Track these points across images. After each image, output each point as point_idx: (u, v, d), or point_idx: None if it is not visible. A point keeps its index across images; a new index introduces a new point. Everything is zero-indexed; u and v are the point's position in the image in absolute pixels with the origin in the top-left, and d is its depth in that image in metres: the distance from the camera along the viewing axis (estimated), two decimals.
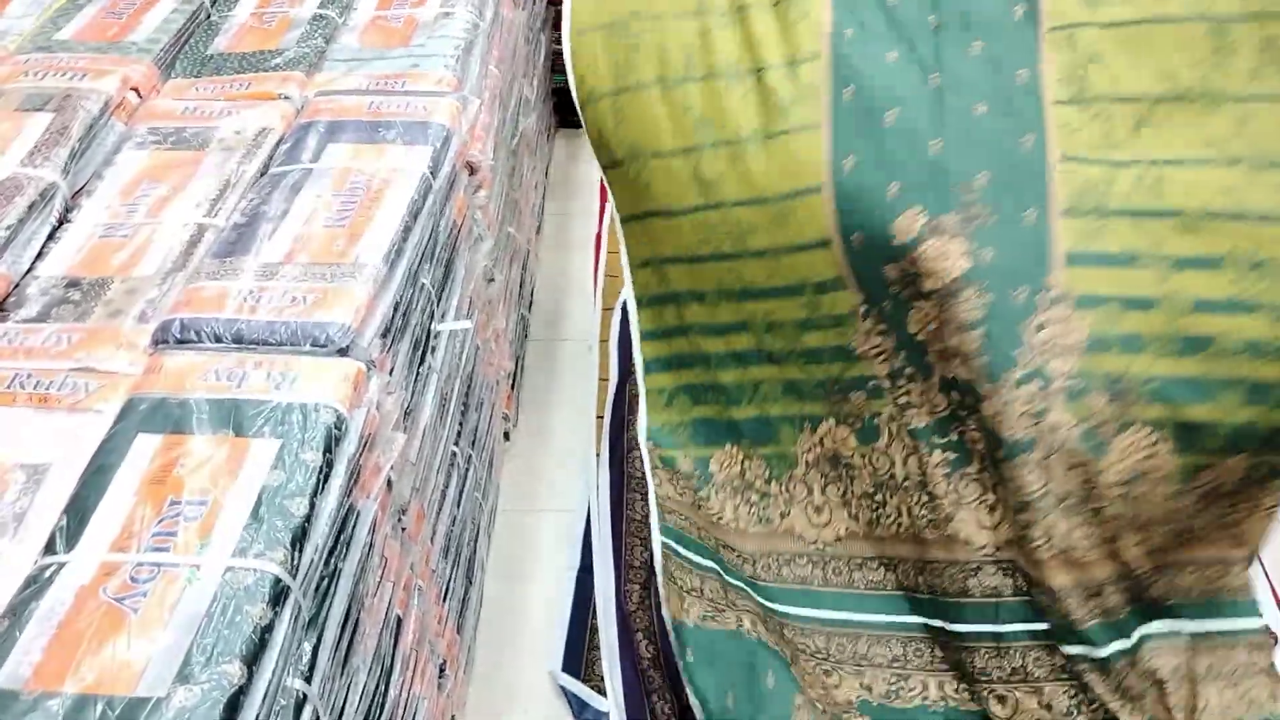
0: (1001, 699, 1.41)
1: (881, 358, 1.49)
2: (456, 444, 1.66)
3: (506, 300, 2.10)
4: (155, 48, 1.73)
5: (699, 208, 1.58)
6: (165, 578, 0.95)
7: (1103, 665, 1.40)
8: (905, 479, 1.50)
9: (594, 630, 1.90)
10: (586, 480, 2.13)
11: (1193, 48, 1.37)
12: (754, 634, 1.56)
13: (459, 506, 1.67)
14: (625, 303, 1.78)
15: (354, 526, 1.14)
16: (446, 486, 1.59)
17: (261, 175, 1.50)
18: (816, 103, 1.47)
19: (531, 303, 2.52)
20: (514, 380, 2.21)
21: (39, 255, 1.36)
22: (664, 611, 1.61)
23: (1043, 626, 1.42)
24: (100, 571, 0.95)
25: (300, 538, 1.01)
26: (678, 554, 1.63)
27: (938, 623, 1.51)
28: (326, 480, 1.08)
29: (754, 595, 1.61)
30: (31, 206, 1.36)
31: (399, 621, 1.32)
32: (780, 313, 1.56)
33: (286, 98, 1.67)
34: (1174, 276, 1.33)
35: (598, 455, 2.19)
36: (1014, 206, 1.37)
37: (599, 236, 2.78)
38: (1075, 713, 1.38)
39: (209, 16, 1.90)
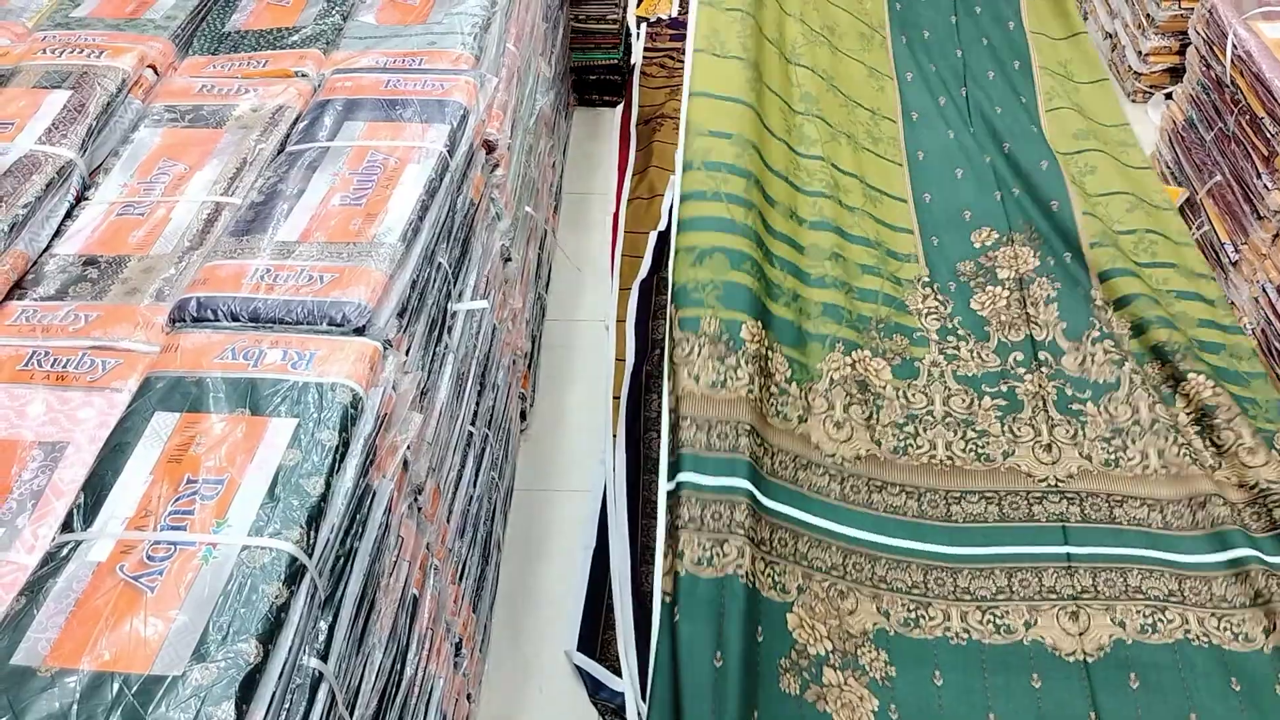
0: (1074, 615, 1.43)
1: (933, 317, 1.75)
2: (473, 424, 1.65)
3: (524, 280, 2.09)
4: (172, 25, 1.73)
5: (805, 155, 1.93)
6: (182, 556, 0.95)
7: (1202, 576, 1.46)
8: (946, 416, 1.65)
9: (609, 610, 1.90)
10: (603, 460, 2.13)
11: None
12: (749, 576, 1.46)
13: (475, 486, 1.67)
14: (668, 211, 1.89)
15: (370, 506, 1.14)
16: (463, 466, 1.59)
17: (279, 153, 1.50)
18: (898, 149, 2.01)
19: (549, 283, 2.51)
20: (531, 360, 2.21)
21: (56, 233, 1.36)
22: (657, 568, 1.52)
23: (1117, 550, 1.49)
24: (117, 549, 0.96)
25: (316, 517, 1.01)
26: (689, 485, 1.48)
27: (981, 550, 1.52)
28: (342, 460, 1.08)
29: (771, 509, 1.50)
30: (49, 184, 1.36)
31: (415, 601, 1.32)
32: (849, 252, 1.79)
33: (304, 75, 1.66)
34: (1177, 303, 1.78)
35: (614, 436, 2.18)
36: (1055, 250, 1.85)
37: (616, 216, 2.76)
38: (1150, 631, 1.41)
39: None
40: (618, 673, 1.81)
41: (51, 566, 0.94)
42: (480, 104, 1.62)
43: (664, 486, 1.46)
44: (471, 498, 1.65)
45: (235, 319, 1.22)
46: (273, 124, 1.55)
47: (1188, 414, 1.62)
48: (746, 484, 1.45)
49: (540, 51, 2.33)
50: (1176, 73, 3.03)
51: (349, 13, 1.84)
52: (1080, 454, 1.59)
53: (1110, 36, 3.29)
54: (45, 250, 1.33)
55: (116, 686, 0.85)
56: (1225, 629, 1.40)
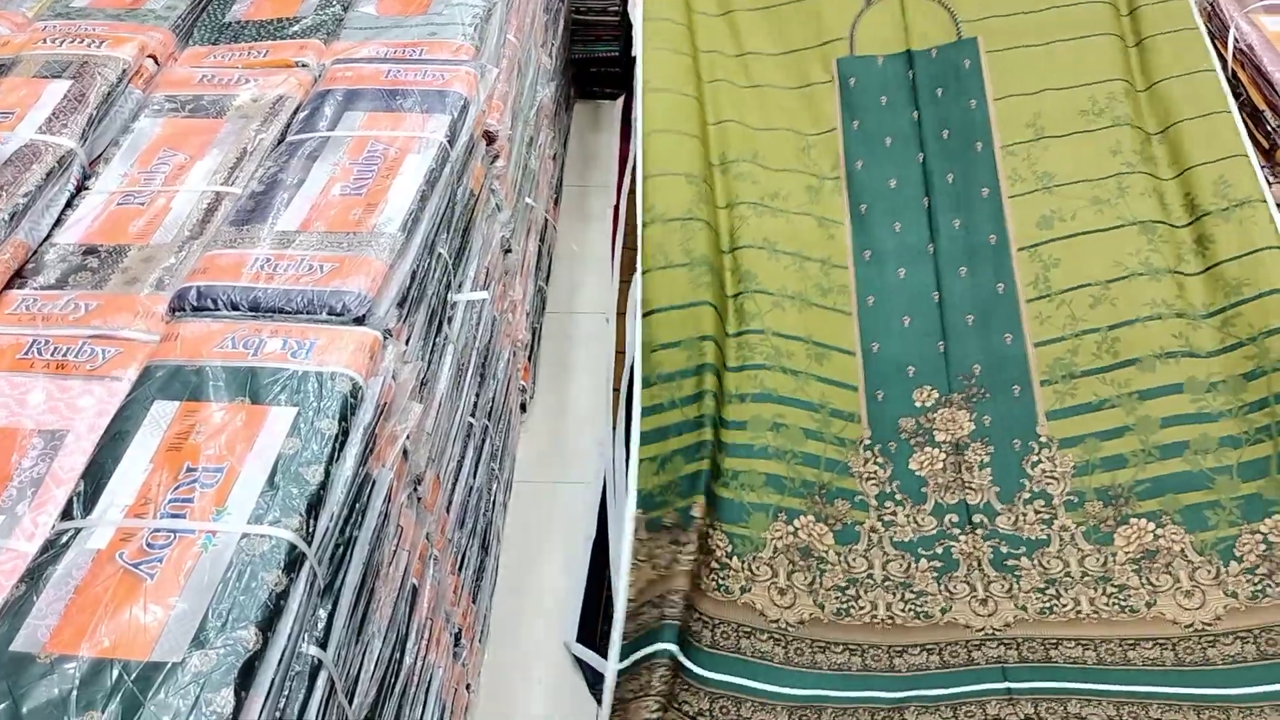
0: None
1: (873, 481, 1.83)
2: (473, 415, 1.66)
3: (524, 272, 2.09)
4: (173, 15, 1.73)
5: (741, 332, 1.97)
6: (181, 544, 0.96)
7: (1139, 703, 1.55)
8: (885, 579, 1.74)
9: (609, 601, 1.90)
10: (602, 453, 2.13)
11: (1130, 242, 1.97)
12: None
13: (475, 477, 1.68)
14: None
15: (369, 495, 1.14)
16: (463, 457, 1.59)
17: (279, 143, 1.50)
18: (848, 297, 2.02)
19: (549, 275, 2.51)
20: (531, 352, 2.21)
21: (57, 222, 1.36)
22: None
23: (1055, 684, 1.58)
24: (117, 537, 0.96)
25: (316, 505, 1.01)
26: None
27: (924, 691, 1.60)
28: (342, 448, 1.08)
29: (711, 679, 1.59)
30: (49, 174, 1.36)
31: (414, 590, 1.32)
32: (792, 418, 1.86)
33: (304, 65, 1.66)
34: (1140, 406, 1.82)
35: (614, 427, 2.19)
36: (1003, 384, 1.89)
37: (616, 209, 2.76)
38: None
39: None
40: None
41: (51, 554, 0.95)
42: (481, 95, 1.62)
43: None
44: (471, 488, 1.66)
45: (235, 308, 1.22)
46: (273, 114, 1.55)
47: (1126, 553, 1.71)
48: (669, 646, 1.57)
49: (541, 43, 2.33)
50: None
51: (350, 3, 1.84)
52: (1015, 605, 1.68)
53: None
54: (45, 239, 1.33)
55: (116, 673, 0.85)
56: None
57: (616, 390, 2.27)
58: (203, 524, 0.98)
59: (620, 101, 3.13)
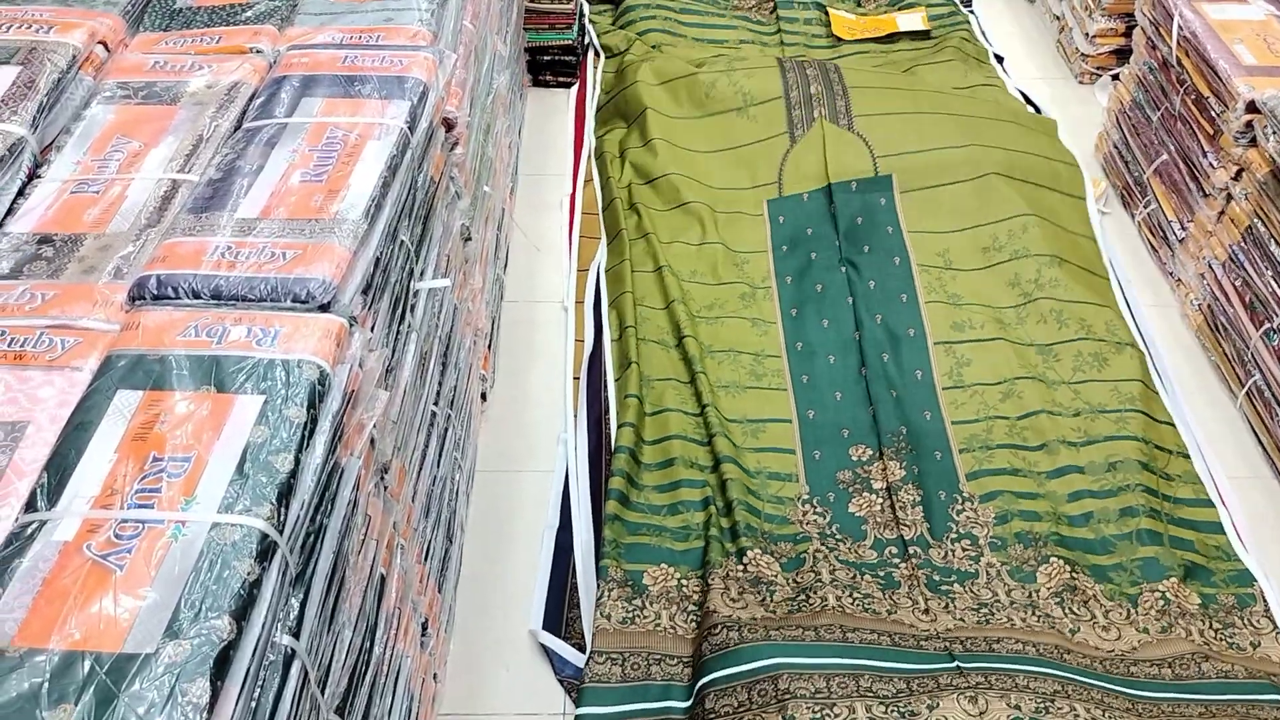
0: (973, 699, 1.58)
1: (814, 526, 1.95)
2: (436, 403, 1.65)
3: (483, 260, 2.08)
4: (122, 1, 1.69)
5: (688, 413, 2.15)
6: (150, 534, 0.94)
7: (1082, 684, 1.66)
8: (834, 581, 1.83)
9: (574, 589, 1.91)
10: (564, 440, 2.13)
11: (1031, 357, 2.23)
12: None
13: (439, 466, 1.67)
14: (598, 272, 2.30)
15: (339, 484, 1.13)
16: (427, 446, 1.58)
17: (235, 130, 1.47)
18: (783, 378, 2.22)
19: (507, 264, 2.50)
20: (490, 341, 2.20)
21: (9, 212, 1.33)
22: None
23: (1002, 666, 1.68)
24: (84, 528, 0.94)
25: (286, 494, 1.00)
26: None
27: (877, 662, 1.68)
28: (311, 436, 1.07)
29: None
30: (0, 161, 1.33)
31: (383, 579, 1.31)
32: (730, 490, 1.95)
33: (259, 51, 1.64)
34: (1048, 483, 2.00)
35: (575, 415, 2.19)
36: (927, 448, 2.06)
37: (573, 197, 2.76)
38: (1045, 713, 1.56)
39: None
40: (584, 650, 1.81)
41: (16, 546, 0.93)
42: (440, 80, 1.61)
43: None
44: (435, 477, 1.65)
45: (197, 296, 1.20)
46: (228, 100, 1.52)
47: (1048, 590, 1.84)
48: (658, 704, 1.70)
49: (497, 30, 2.32)
50: (1123, 54, 3.08)
51: None
52: (954, 618, 1.78)
53: (1058, 19, 3.34)
54: None
55: (88, 665, 0.83)
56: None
57: (576, 379, 2.27)
58: (172, 514, 0.96)
59: (574, 90, 3.12)
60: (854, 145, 2.61)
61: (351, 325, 1.20)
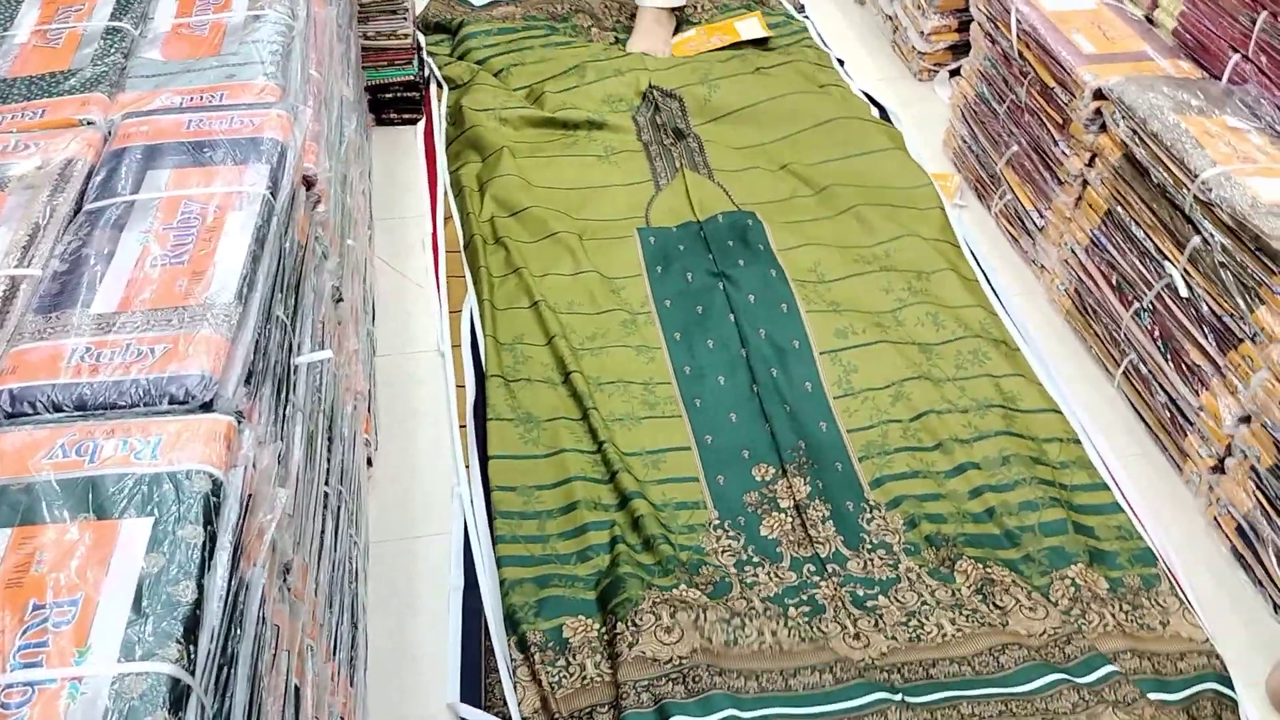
0: None
1: (728, 554, 1.90)
2: (327, 483, 1.54)
3: (355, 318, 1.97)
4: None
5: (583, 451, 2.08)
6: (43, 697, 0.82)
7: (1024, 699, 1.68)
8: (766, 610, 1.79)
9: (489, 652, 1.82)
10: (458, 494, 2.03)
11: (914, 356, 2.24)
12: None
13: (336, 549, 1.56)
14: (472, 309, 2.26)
15: (245, 600, 1.03)
16: (324, 532, 1.47)
17: (76, 213, 1.34)
18: (675, 404, 2.18)
19: (374, 316, 2.39)
20: (370, 401, 2.09)
21: None
22: None
23: (944, 695, 1.69)
24: None
25: (193, 628, 0.90)
26: None
27: (823, 708, 1.67)
28: (211, 556, 0.96)
29: None
30: None
31: (297, 691, 1.20)
32: (642, 526, 1.91)
33: (90, 123, 1.50)
34: (948, 482, 2.01)
35: (466, 466, 2.09)
36: (828, 460, 2.04)
37: (435, 236, 2.66)
38: None
39: None
40: (508, 717, 1.73)
41: None
42: (297, 138, 1.50)
43: None
44: (335, 562, 1.54)
45: (59, 409, 1.07)
46: (63, 180, 1.38)
47: (968, 588, 1.84)
48: None
49: (340, 74, 2.20)
50: (958, 49, 3.15)
51: (130, 49, 1.68)
52: (885, 636, 1.78)
53: (890, 19, 3.40)
54: None
55: None
56: None
57: (463, 426, 2.18)
58: (64, 670, 0.84)
59: (420, 126, 3.01)
60: (715, 191, 2.67)
61: (239, 421, 1.09)
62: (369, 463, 2.04)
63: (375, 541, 1.94)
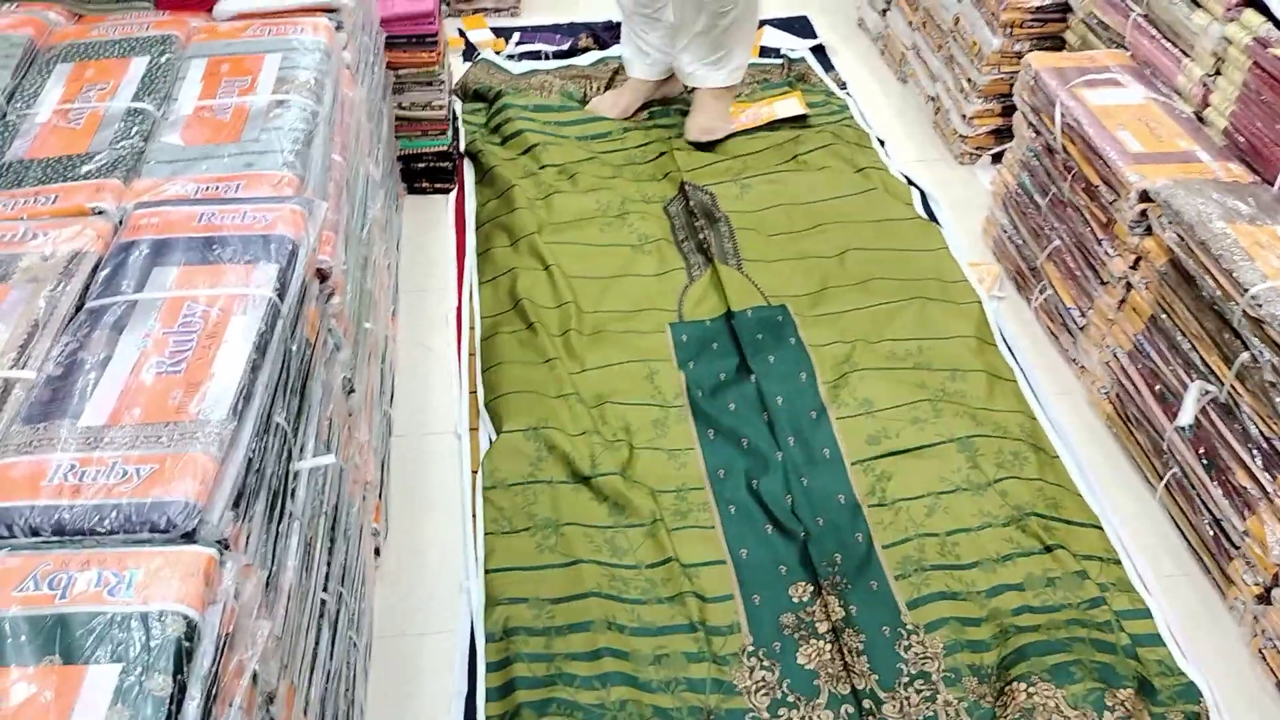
0: None
1: (763, 692, 1.79)
2: (325, 589, 1.48)
3: (369, 405, 1.92)
4: None
5: (603, 563, 1.98)
6: None
7: None
8: None
9: None
10: (466, 589, 1.96)
11: (952, 459, 2.14)
12: None
13: (333, 659, 1.49)
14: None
15: None
16: (317, 644, 1.41)
17: (77, 311, 1.30)
18: (709, 512, 2.08)
19: (393, 396, 2.34)
20: (381, 489, 2.03)
21: None
22: None
23: None
24: None
25: None
26: None
27: None
28: (179, 709, 0.90)
29: None
30: None
31: None
32: (673, 645, 1.84)
33: (101, 212, 1.47)
34: (990, 602, 1.91)
35: (475, 560, 2.03)
36: (863, 579, 1.94)
37: (459, 311, 2.62)
38: None
39: (4, 115, 1.68)
40: None
41: None
42: (310, 234, 1.46)
43: None
44: (329, 672, 1.47)
45: (35, 534, 1.02)
46: (68, 274, 1.35)
47: (1007, 717, 1.73)
48: None
49: (368, 151, 2.18)
50: (1001, 134, 3.09)
51: (150, 132, 1.65)
52: None
53: (932, 99, 3.35)
54: None
55: None
56: None
57: (475, 516, 2.12)
58: None
59: (452, 195, 2.99)
60: (745, 284, 2.61)
61: (223, 552, 1.04)
62: (376, 552, 1.98)
63: (379, 636, 1.88)
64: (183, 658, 0.92)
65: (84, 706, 0.88)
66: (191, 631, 0.95)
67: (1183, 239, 1.99)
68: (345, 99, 1.95)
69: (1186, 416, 1.95)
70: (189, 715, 0.91)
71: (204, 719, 0.93)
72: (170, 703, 0.89)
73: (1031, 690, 1.74)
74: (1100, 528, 2.05)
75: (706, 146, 3.12)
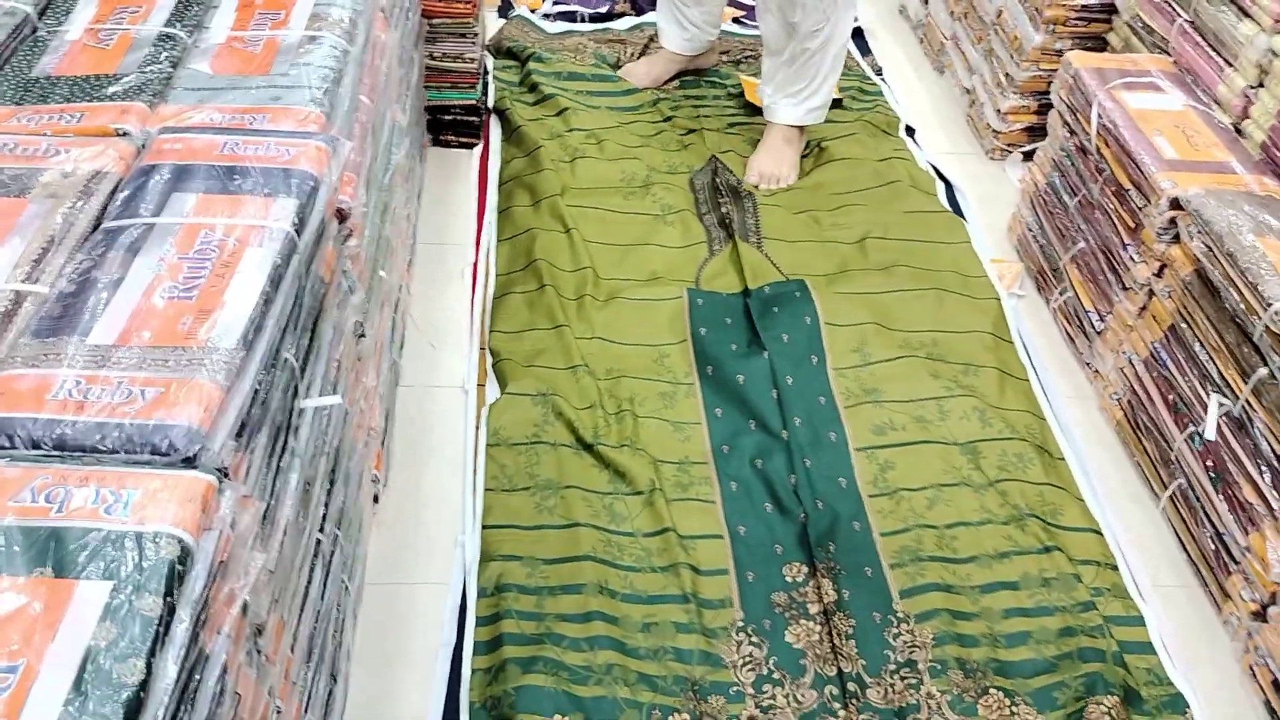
0: None
1: (749, 667, 1.78)
2: (322, 529, 1.48)
3: (378, 352, 1.91)
4: None
5: (600, 528, 1.97)
6: None
7: None
8: None
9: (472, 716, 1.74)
10: (461, 543, 1.96)
11: (954, 459, 2.13)
12: None
13: (323, 599, 1.49)
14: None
15: (202, 673, 0.96)
16: (309, 583, 1.41)
17: (93, 230, 1.29)
18: (710, 486, 2.08)
19: (403, 345, 2.33)
20: (384, 435, 2.03)
21: None
22: None
23: None
24: None
25: (134, 713, 0.83)
26: None
27: None
28: (167, 631, 0.90)
29: None
30: None
31: None
32: (662, 614, 1.83)
33: (125, 134, 1.46)
34: (982, 599, 1.90)
35: (473, 516, 2.02)
36: (855, 565, 1.93)
37: (475, 266, 2.61)
38: None
39: (35, 31, 1.67)
40: None
41: None
42: (333, 172, 1.45)
43: None
44: (319, 612, 1.47)
45: (36, 446, 1.02)
46: (87, 193, 1.34)
47: None
48: None
49: (396, 98, 2.16)
50: (1034, 131, 3.06)
51: (180, 59, 1.64)
52: None
53: (968, 92, 3.32)
54: None
55: None
56: None
57: (476, 471, 2.11)
58: None
59: (477, 150, 2.97)
60: (763, 262, 2.59)
61: (222, 480, 1.03)
62: (375, 499, 1.98)
63: (371, 583, 1.88)
64: (174, 580, 0.92)
65: (72, 620, 0.87)
66: (185, 555, 0.94)
67: (1210, 249, 1.97)
68: (377, 41, 1.93)
69: (1210, 429, 1.93)
70: (177, 637, 0.91)
71: (192, 643, 0.93)
72: (159, 624, 0.89)
73: (1014, 709, 1.74)
74: (1100, 533, 2.04)
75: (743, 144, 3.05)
